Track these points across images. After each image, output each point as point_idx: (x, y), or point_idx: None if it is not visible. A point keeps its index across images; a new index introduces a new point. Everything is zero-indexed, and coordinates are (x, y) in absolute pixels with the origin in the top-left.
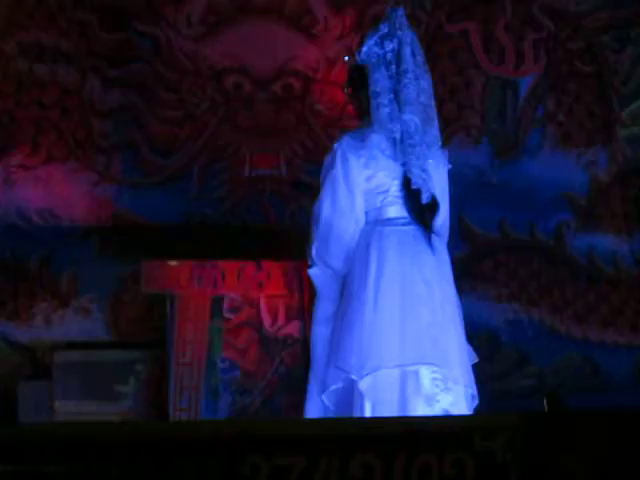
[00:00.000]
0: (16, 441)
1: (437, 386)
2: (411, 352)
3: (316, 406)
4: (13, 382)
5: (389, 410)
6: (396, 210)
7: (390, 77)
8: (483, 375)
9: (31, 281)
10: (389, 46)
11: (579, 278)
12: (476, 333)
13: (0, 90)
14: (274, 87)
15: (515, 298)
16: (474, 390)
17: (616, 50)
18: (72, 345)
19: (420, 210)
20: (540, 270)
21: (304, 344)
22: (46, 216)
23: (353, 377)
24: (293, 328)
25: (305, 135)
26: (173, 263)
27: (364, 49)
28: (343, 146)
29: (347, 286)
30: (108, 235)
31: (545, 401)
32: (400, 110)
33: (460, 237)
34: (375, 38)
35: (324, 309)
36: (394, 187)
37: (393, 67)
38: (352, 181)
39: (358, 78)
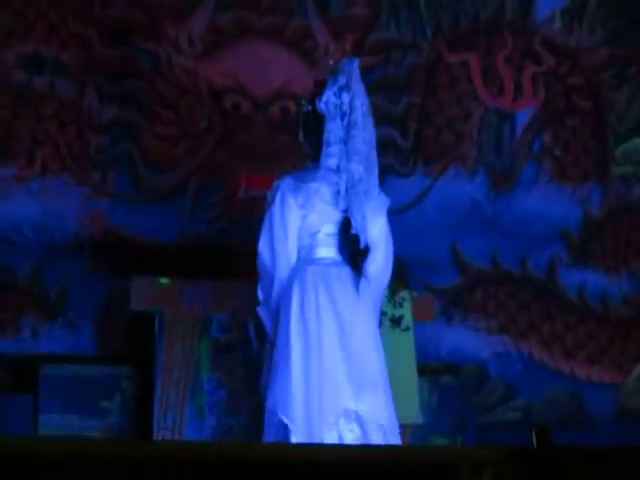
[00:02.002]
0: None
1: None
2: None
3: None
4: None
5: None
6: (324, 251)
7: (342, 127)
8: (470, 407)
9: (20, 294)
10: (346, 98)
11: (569, 313)
12: (465, 364)
13: None
14: (272, 109)
15: (505, 330)
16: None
17: (613, 88)
18: (58, 359)
19: (354, 254)
20: (530, 303)
21: None
22: (38, 228)
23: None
24: None
25: (300, 158)
26: (164, 281)
27: (324, 99)
28: (283, 185)
29: (277, 323)
30: (99, 250)
31: (534, 436)
32: (348, 159)
33: (452, 267)
34: (334, 89)
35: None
36: (325, 229)
37: (346, 118)
38: (287, 219)
39: (313, 124)
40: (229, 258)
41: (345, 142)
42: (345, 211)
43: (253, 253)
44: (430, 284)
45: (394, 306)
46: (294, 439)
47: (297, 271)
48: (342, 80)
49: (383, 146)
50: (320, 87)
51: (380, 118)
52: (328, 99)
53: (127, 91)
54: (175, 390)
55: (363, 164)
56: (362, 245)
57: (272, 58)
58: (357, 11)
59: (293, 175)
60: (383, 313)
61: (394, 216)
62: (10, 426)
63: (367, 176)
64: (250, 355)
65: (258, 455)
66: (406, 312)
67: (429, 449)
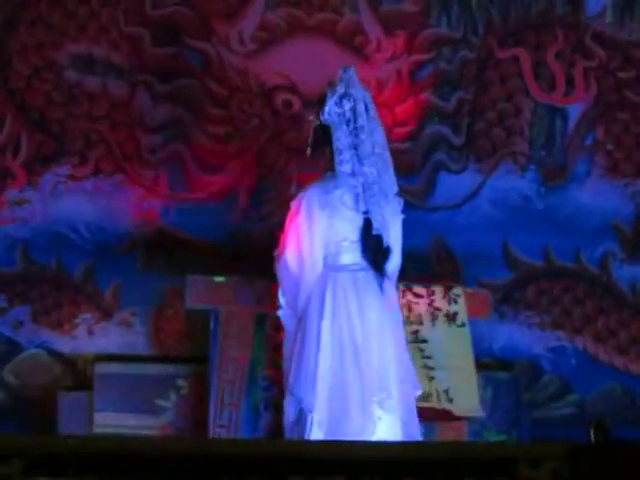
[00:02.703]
0: (58, 453)
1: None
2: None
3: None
4: (54, 392)
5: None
6: (349, 257)
7: (350, 134)
8: (525, 402)
9: (75, 292)
10: (347, 105)
11: (623, 308)
12: (518, 360)
13: (51, 100)
14: None
15: (558, 326)
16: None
17: None
18: (113, 357)
19: (376, 254)
20: (584, 298)
21: None
22: (92, 228)
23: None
24: None
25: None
26: (218, 279)
27: (326, 109)
28: (308, 196)
29: (303, 324)
30: (153, 249)
31: (592, 431)
32: (360, 163)
33: (504, 263)
34: (335, 98)
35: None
36: (350, 236)
37: (351, 124)
38: (315, 230)
39: (322, 136)
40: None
41: (355, 147)
42: (365, 212)
43: None
44: (483, 280)
45: (449, 302)
46: (315, 424)
47: (327, 278)
48: (341, 89)
49: (435, 143)
50: (322, 102)
51: (431, 114)
52: (330, 109)
53: (178, 90)
54: (230, 388)
55: (375, 166)
56: (384, 245)
57: (323, 55)
58: (408, 6)
59: (316, 186)
60: (438, 309)
61: (448, 212)
62: (66, 424)
63: (382, 176)
64: None
65: (314, 451)
66: (460, 308)
67: (486, 445)
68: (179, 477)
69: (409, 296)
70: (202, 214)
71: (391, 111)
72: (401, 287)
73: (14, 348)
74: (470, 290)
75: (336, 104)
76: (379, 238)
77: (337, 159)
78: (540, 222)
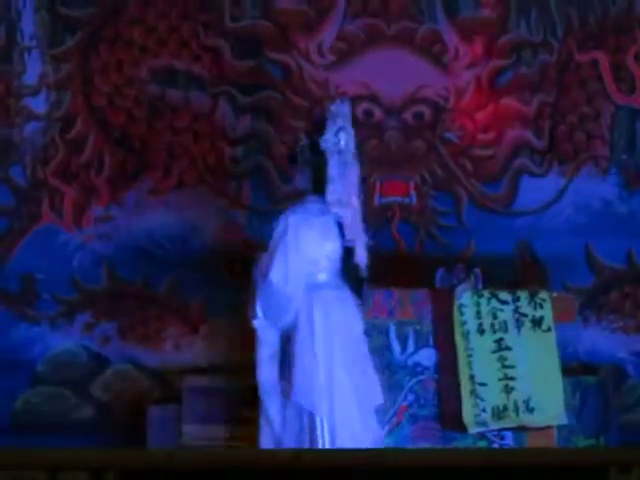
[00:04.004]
0: (151, 466)
1: None
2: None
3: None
4: (142, 406)
5: None
6: (325, 276)
7: (340, 165)
8: (612, 407)
9: (161, 306)
10: (343, 137)
11: None
12: (602, 364)
13: (133, 115)
14: (404, 115)
15: None
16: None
17: None
18: (201, 370)
19: (355, 281)
20: None
21: (434, 372)
22: (176, 241)
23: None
24: (423, 356)
25: (435, 163)
26: None
27: (326, 138)
28: (297, 218)
29: (297, 341)
30: (237, 261)
31: None
32: (349, 194)
33: (587, 268)
34: (334, 129)
35: (265, 352)
36: (329, 257)
37: (342, 156)
38: (302, 250)
39: (309, 159)
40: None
41: (345, 178)
42: (348, 241)
43: (390, 259)
44: (569, 285)
45: (534, 307)
46: (319, 425)
47: (311, 297)
48: (340, 122)
49: (516, 147)
50: (318, 126)
51: (512, 119)
52: (329, 138)
53: (259, 102)
54: None
55: (359, 199)
56: (363, 273)
57: (402, 64)
58: (486, 13)
59: (302, 209)
60: (524, 315)
61: (532, 217)
62: (155, 438)
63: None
64: (392, 360)
65: (407, 460)
66: (546, 313)
67: (576, 450)
68: None
69: (494, 303)
70: None
71: (472, 118)
72: (486, 294)
73: (102, 363)
74: (556, 294)
75: (335, 135)
76: (358, 267)
77: (330, 187)
78: (623, 226)
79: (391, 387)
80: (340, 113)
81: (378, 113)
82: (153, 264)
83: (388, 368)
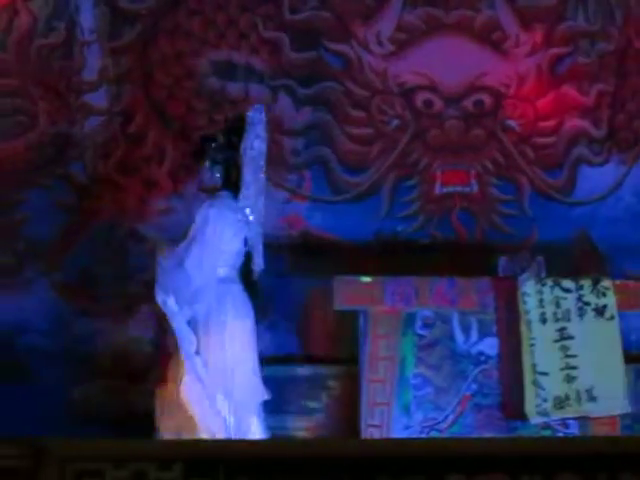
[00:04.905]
0: (217, 457)
1: None
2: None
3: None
4: None
5: None
6: (225, 271)
7: (254, 171)
8: None
9: None
10: (257, 145)
11: None
12: None
13: (193, 108)
14: (464, 103)
15: None
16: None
17: None
18: (265, 361)
19: (250, 283)
20: None
21: (498, 361)
22: None
23: None
24: (486, 345)
25: (496, 151)
26: (365, 280)
27: (247, 144)
28: (218, 211)
29: (204, 323)
30: (299, 252)
31: None
32: (256, 199)
33: None
34: (252, 136)
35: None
36: (233, 254)
37: (257, 162)
38: (217, 243)
39: (221, 157)
40: (427, 254)
41: (256, 184)
42: (248, 245)
43: (451, 248)
44: (629, 272)
45: (597, 296)
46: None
47: (212, 288)
48: (258, 129)
49: (575, 136)
50: (236, 125)
51: (572, 108)
52: (246, 146)
53: (319, 94)
54: (381, 387)
55: (262, 203)
56: (255, 276)
57: (461, 52)
58: (544, 0)
59: (221, 203)
60: (586, 303)
61: (591, 205)
62: None
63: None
64: (455, 349)
65: (474, 448)
66: (609, 301)
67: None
68: (332, 479)
69: (557, 291)
70: (347, 215)
71: (533, 105)
72: (549, 282)
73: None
74: (619, 282)
75: (251, 141)
76: (253, 271)
77: (244, 192)
78: None
79: (454, 376)
80: (256, 121)
81: (438, 102)
82: None
83: (451, 357)
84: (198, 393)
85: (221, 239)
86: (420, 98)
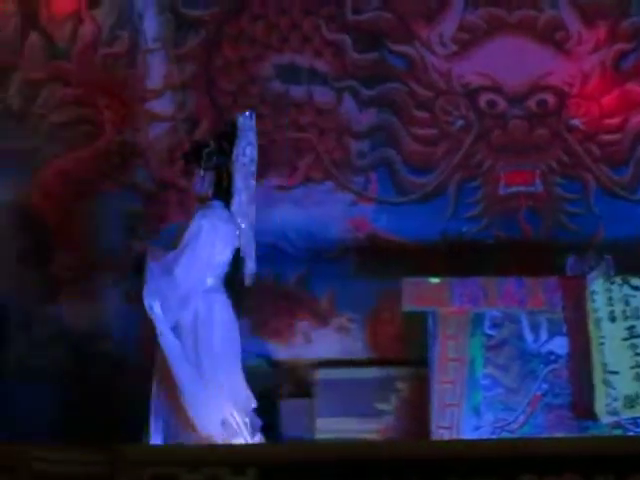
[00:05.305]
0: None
1: None
2: None
3: None
4: (275, 400)
5: None
6: (211, 281)
7: (245, 177)
8: None
9: (291, 300)
10: (249, 152)
11: None
12: None
13: (258, 113)
14: (528, 103)
15: None
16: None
17: None
18: (332, 363)
19: (236, 287)
20: None
21: (568, 360)
22: (304, 236)
23: None
24: (556, 344)
25: (561, 150)
26: (433, 281)
27: (238, 151)
28: (210, 222)
29: (201, 342)
30: (366, 253)
31: None
32: (248, 205)
33: None
34: (243, 143)
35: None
36: (221, 264)
37: (247, 169)
38: (207, 254)
39: (214, 164)
40: (493, 254)
41: (247, 190)
42: (241, 252)
43: (517, 248)
44: None
45: None
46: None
47: (199, 297)
48: (250, 136)
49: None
50: (227, 131)
51: (637, 104)
52: (238, 152)
53: (383, 95)
54: (451, 389)
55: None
56: (248, 283)
57: (524, 52)
58: None
59: (213, 213)
60: None
61: None
62: (288, 431)
63: None
64: (525, 349)
65: (546, 448)
66: None
67: None
68: None
69: (626, 289)
70: (413, 216)
71: (597, 103)
72: (618, 280)
73: None
74: None
75: (243, 149)
76: (244, 276)
77: (235, 198)
78: None
79: (524, 376)
80: (247, 127)
81: (501, 103)
82: (282, 259)
83: (520, 357)
84: (192, 396)
85: (212, 251)
86: (484, 98)
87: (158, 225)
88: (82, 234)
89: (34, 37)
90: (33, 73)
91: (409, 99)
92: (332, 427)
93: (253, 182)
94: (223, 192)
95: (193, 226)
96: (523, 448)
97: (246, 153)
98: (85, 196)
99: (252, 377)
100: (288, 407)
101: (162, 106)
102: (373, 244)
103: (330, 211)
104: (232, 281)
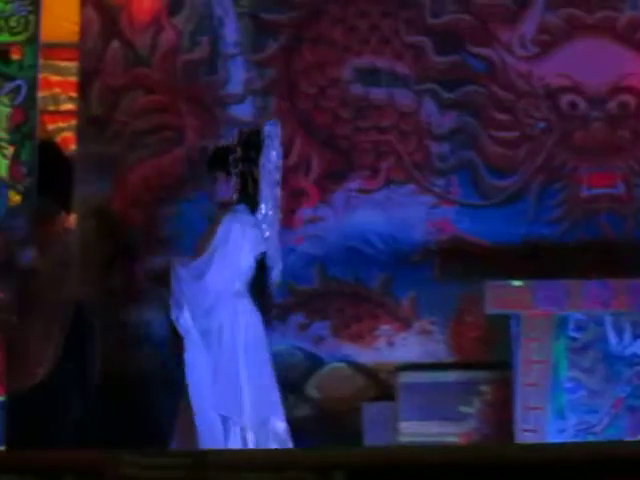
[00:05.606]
0: (377, 464)
1: None
2: None
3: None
4: (357, 404)
5: None
6: (239, 285)
7: (271, 185)
8: None
9: (373, 304)
10: (274, 158)
11: None
12: None
13: (338, 116)
14: (609, 105)
15: None
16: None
17: None
18: (415, 366)
19: (265, 301)
20: None
21: None
22: (386, 239)
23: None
24: None
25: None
26: (516, 284)
27: (264, 159)
28: (239, 226)
29: (216, 337)
30: (448, 256)
31: None
32: (274, 212)
33: None
34: (270, 150)
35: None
36: (248, 269)
37: (272, 176)
38: (236, 258)
39: (239, 169)
40: (576, 257)
41: (272, 197)
42: (270, 259)
43: (599, 250)
44: None
45: None
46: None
47: (233, 302)
48: (275, 143)
49: None
50: (253, 138)
51: None
52: (264, 160)
53: (463, 97)
54: (535, 391)
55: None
56: (274, 291)
57: (605, 53)
58: None
59: (241, 218)
60: None
61: None
62: (371, 435)
63: None
64: (609, 351)
65: (628, 452)
66: None
67: None
68: None
69: None
70: (494, 219)
71: None
72: None
73: (316, 363)
74: None
75: (269, 156)
76: (270, 285)
77: (262, 206)
78: None
79: (608, 379)
80: (273, 134)
81: (582, 104)
82: (364, 262)
83: (604, 360)
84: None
85: (240, 255)
86: (565, 100)
87: None
88: (164, 239)
89: (115, 44)
90: (114, 80)
91: (489, 101)
92: (415, 430)
93: (278, 190)
94: (249, 199)
95: (222, 230)
96: (608, 451)
97: (271, 160)
98: (167, 202)
99: (333, 381)
100: (371, 411)
101: (243, 111)
102: (455, 247)
103: (412, 214)
104: (260, 286)
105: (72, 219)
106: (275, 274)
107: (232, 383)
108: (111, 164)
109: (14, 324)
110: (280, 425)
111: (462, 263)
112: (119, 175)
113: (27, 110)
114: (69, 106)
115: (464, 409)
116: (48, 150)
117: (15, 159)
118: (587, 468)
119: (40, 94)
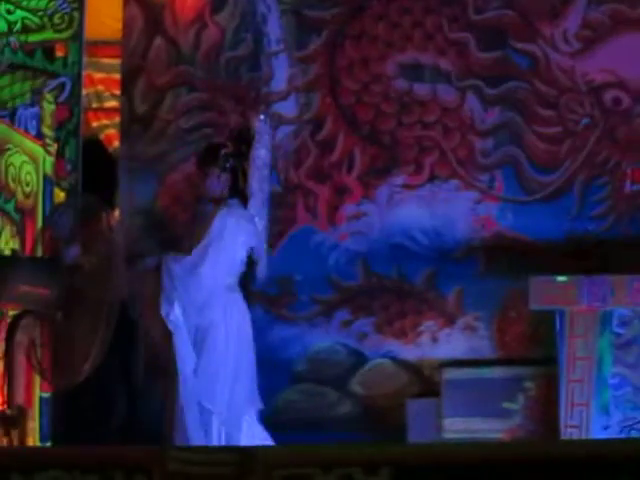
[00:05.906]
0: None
1: None
2: None
3: None
4: (401, 400)
5: None
6: (232, 279)
7: (260, 180)
8: None
9: (417, 300)
10: (263, 155)
11: None
12: None
13: (382, 111)
14: None
15: None
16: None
17: None
18: (459, 363)
19: (249, 291)
20: None
21: None
22: (430, 235)
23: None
24: None
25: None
26: (561, 279)
27: (255, 154)
28: (234, 220)
29: (207, 328)
30: (492, 252)
31: None
32: (263, 206)
33: None
34: (260, 147)
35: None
36: (240, 262)
37: (262, 172)
38: (232, 251)
39: (230, 166)
40: (620, 252)
41: (262, 192)
42: (257, 253)
43: None
44: None
45: None
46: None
47: (225, 296)
48: (266, 140)
49: None
50: (244, 134)
51: None
52: (255, 155)
53: (507, 93)
54: (580, 387)
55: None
56: (258, 285)
57: None
58: None
59: (235, 212)
60: None
61: None
62: (414, 432)
63: None
64: None
65: None
66: None
67: None
68: None
69: None
70: (538, 215)
71: None
72: None
73: (360, 359)
74: None
75: (259, 151)
76: (255, 278)
77: (252, 201)
78: None
79: None
80: (264, 131)
81: (626, 100)
82: (408, 258)
83: None
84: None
85: (235, 249)
86: (608, 96)
87: (286, 227)
88: None
89: (158, 42)
90: (157, 78)
91: (533, 97)
92: (459, 427)
93: (267, 185)
94: (239, 194)
95: (216, 224)
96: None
97: (261, 156)
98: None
99: (377, 377)
100: (415, 407)
101: (287, 108)
102: (499, 243)
103: (456, 209)
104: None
105: (116, 216)
106: (260, 269)
107: (219, 378)
108: (155, 162)
109: (60, 321)
110: (255, 421)
111: (506, 259)
112: (163, 173)
113: (71, 107)
114: (112, 103)
115: (508, 405)
116: (92, 147)
117: (60, 156)
118: (632, 465)
119: (84, 91)
